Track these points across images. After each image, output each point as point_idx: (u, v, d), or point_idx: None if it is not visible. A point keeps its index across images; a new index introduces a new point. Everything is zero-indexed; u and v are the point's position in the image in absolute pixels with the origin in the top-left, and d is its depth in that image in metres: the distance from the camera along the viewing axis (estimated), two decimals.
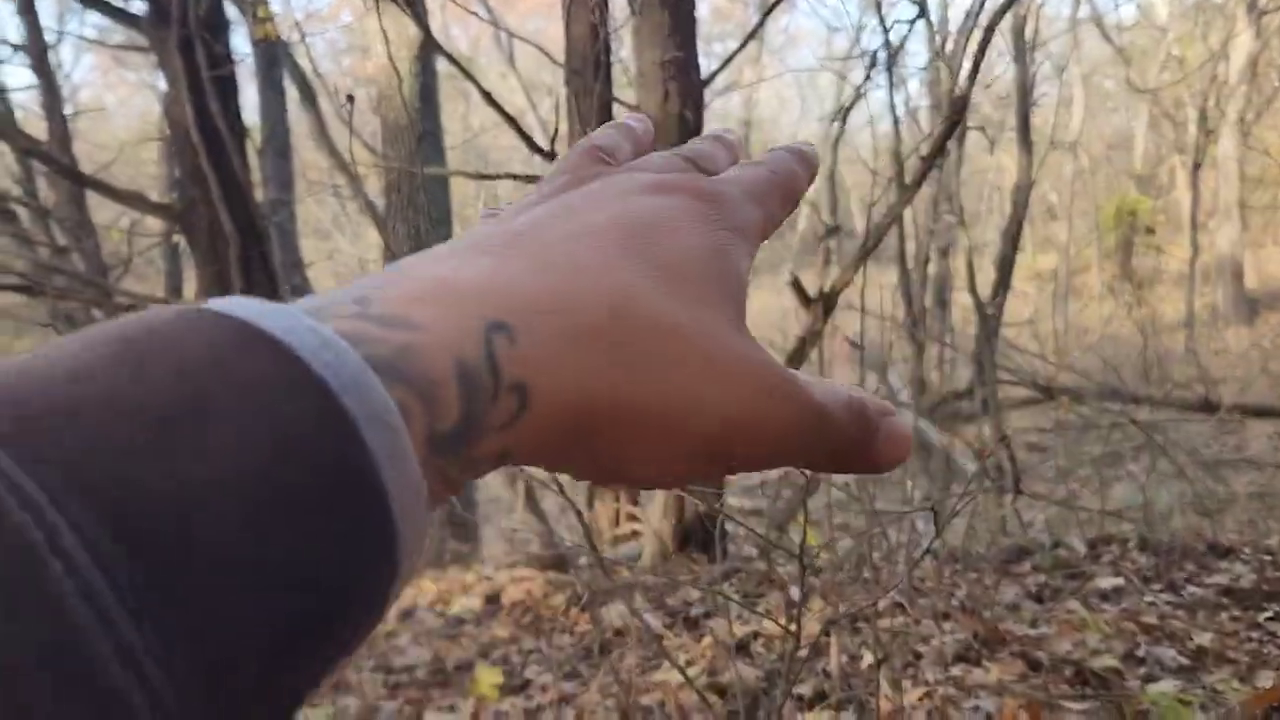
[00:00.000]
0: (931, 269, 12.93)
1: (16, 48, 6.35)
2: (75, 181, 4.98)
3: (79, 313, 6.00)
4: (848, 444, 0.32)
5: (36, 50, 6.31)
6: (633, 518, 4.69)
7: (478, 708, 2.73)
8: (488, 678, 2.85)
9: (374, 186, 11.31)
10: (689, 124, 3.86)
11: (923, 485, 6.11)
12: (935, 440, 7.40)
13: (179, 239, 8.97)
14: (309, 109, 9.78)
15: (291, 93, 8.61)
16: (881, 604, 3.28)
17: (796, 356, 3.00)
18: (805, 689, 2.72)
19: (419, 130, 6.43)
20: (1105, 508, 4.72)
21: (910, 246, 10.49)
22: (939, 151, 2.73)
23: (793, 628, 3.27)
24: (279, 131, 7.69)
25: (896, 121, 11.30)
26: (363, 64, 16.25)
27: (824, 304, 2.82)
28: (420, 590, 3.98)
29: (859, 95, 4.73)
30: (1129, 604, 3.18)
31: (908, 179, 3.20)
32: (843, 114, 5.36)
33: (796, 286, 2.91)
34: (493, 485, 10.66)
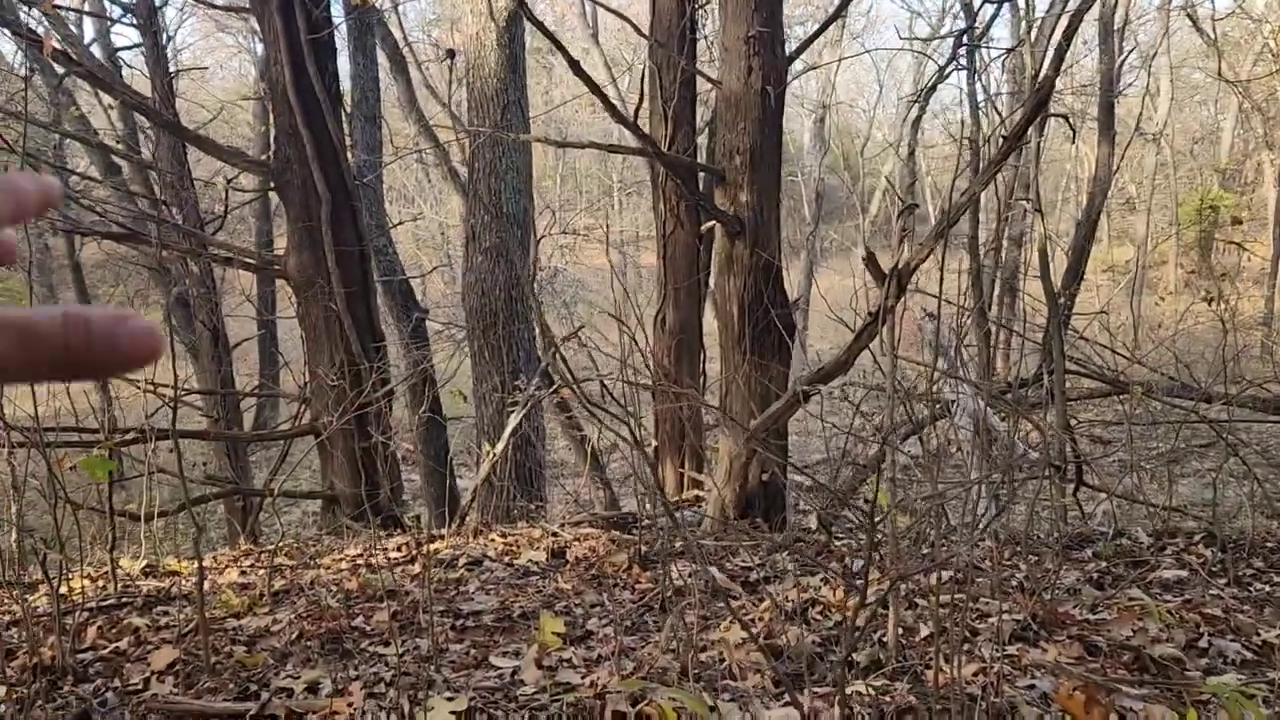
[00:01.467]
0: (1003, 256, 12.73)
1: (125, 9, 6.61)
2: (179, 136, 5.20)
3: (177, 263, 6.28)
4: (68, 352, 0.35)
5: (145, 10, 6.56)
6: (696, 484, 4.79)
7: (540, 654, 2.84)
8: (551, 626, 2.96)
9: (456, 155, 11.52)
10: (770, 100, 3.91)
11: (984, 470, 6.07)
12: (999, 426, 7.35)
13: (272, 196, 9.27)
14: (398, 77, 10.01)
15: (382, 61, 8.82)
16: (939, 580, 3.33)
17: (868, 332, 3.04)
18: (860, 657, 2.78)
19: (505, 100, 6.55)
20: (1171, 503, 4.67)
21: (982, 234, 10.36)
22: (1022, 133, 2.73)
23: (852, 598, 3.33)
24: (369, 98, 7.88)
25: (976, 107, 11.13)
26: (450, 35, 16.49)
27: (897, 280, 2.86)
28: (489, 542, 4.12)
29: (944, 75, 4.68)
30: (1192, 595, 3.17)
31: (987, 161, 3.19)
32: (925, 94, 5.31)
33: (871, 262, 2.95)
34: (559, 449, 10.84)
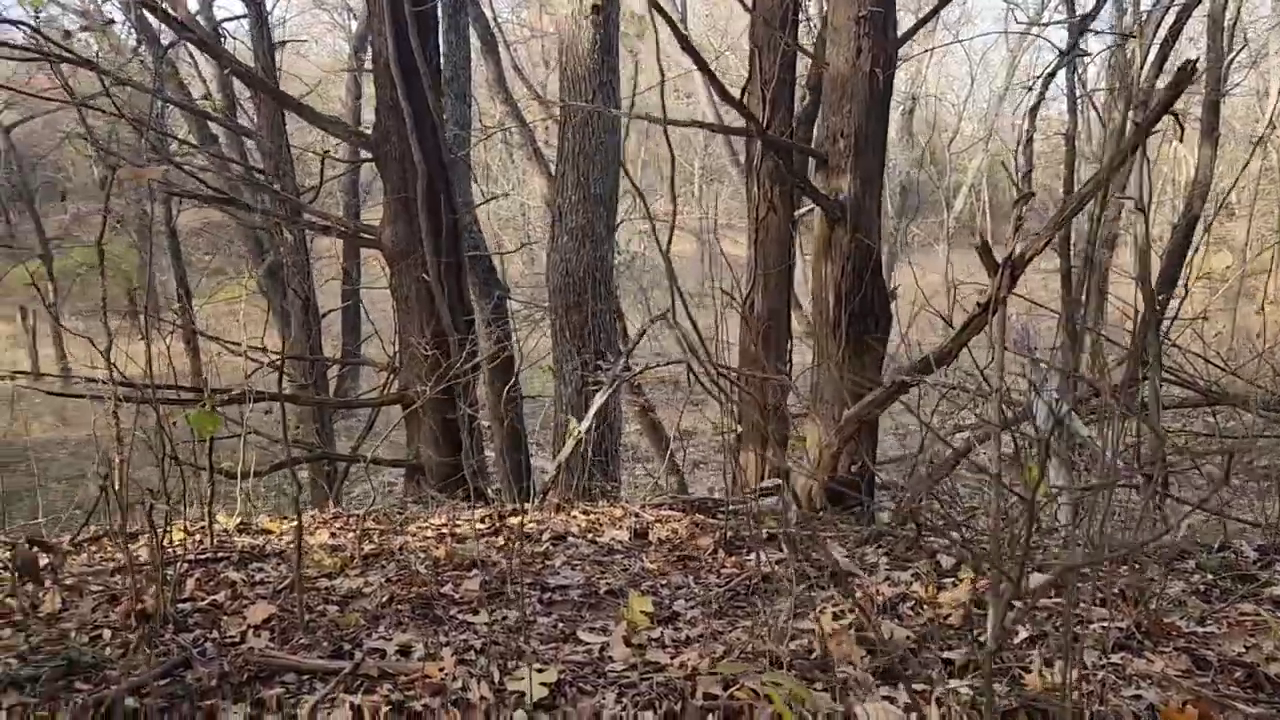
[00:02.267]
0: (1094, 258, 12.34)
1: None
2: (285, 105, 5.30)
3: (273, 230, 6.41)
4: None
5: None
6: (778, 471, 4.74)
7: (629, 632, 2.83)
8: (639, 604, 2.95)
9: (540, 137, 11.56)
10: (878, 83, 3.82)
11: (1066, 478, 5.91)
12: (1083, 433, 7.14)
13: (362, 170, 9.41)
14: (488, 57, 10.08)
15: (472, 41, 8.88)
16: (1037, 583, 3.22)
17: (975, 323, 2.96)
18: (956, 656, 2.71)
19: (598, 80, 6.54)
20: (1268, 519, 4.48)
21: (1070, 235, 10.07)
22: (1153, 125, 2.62)
23: (943, 594, 3.25)
24: (460, 76, 7.94)
25: (1074, 102, 10.77)
26: (539, 16, 16.58)
27: (1010, 271, 2.77)
28: (571, 518, 4.13)
29: (1063, 62, 4.53)
30: None
31: (1103, 156, 3.07)
32: (1044, 80, 5.15)
33: (985, 250, 2.87)
34: (629, 433, 10.85)
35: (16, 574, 2.71)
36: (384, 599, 3.05)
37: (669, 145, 5.30)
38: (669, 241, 4.44)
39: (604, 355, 6.48)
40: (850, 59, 3.79)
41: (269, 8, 8.05)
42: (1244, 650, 2.71)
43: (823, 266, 3.97)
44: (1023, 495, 3.43)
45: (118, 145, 7.28)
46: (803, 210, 5.20)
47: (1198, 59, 2.70)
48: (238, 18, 7.79)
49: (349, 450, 5.65)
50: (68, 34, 5.86)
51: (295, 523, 4.05)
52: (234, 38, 8.09)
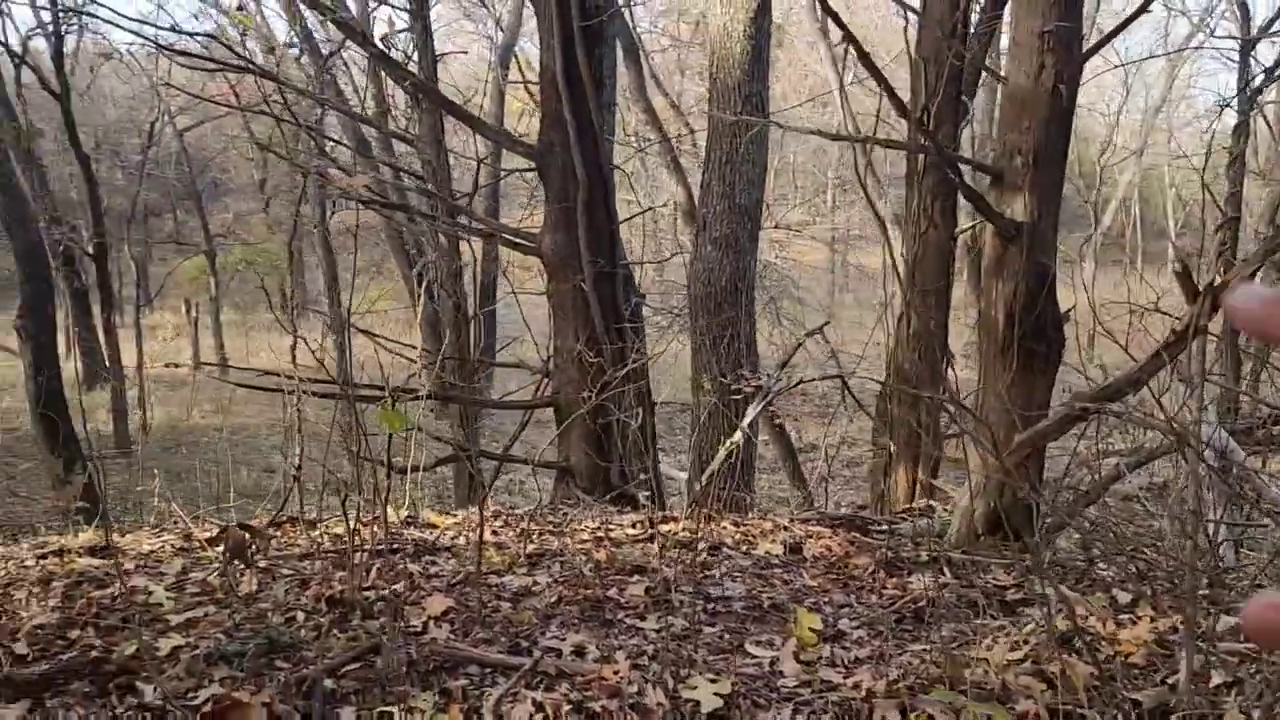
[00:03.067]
0: (1260, 277, 11.65)
1: None
2: (454, 115, 5.50)
3: (429, 235, 6.65)
4: None
5: None
6: (930, 491, 4.65)
7: (798, 648, 2.83)
8: (808, 621, 2.94)
9: (676, 146, 11.63)
10: (1061, 100, 3.71)
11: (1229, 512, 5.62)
12: (1243, 463, 6.75)
13: (508, 179, 9.65)
14: (630, 66, 10.22)
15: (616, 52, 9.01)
16: (1225, 626, 3.07)
17: (1174, 347, 2.85)
18: (1145, 698, 2.60)
19: (747, 90, 6.56)
20: None
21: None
22: None
23: (1122, 631, 3.12)
24: (607, 85, 8.07)
25: (1247, 115, 10.21)
26: (676, 25, 16.72)
27: (1212, 298, 2.65)
28: (723, 529, 4.15)
29: (1271, 78, 4.29)
30: None
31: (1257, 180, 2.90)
32: (1252, 95, 4.90)
33: (1184, 275, 2.76)
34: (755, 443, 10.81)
35: (228, 554, 2.89)
36: (553, 599, 3.13)
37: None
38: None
39: (742, 365, 6.48)
40: (1032, 74, 3.69)
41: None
42: None
43: (994, 286, 3.88)
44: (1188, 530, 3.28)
45: (284, 148, 7.69)
46: (965, 227, 5.09)
47: None
48: (402, 30, 8.16)
49: (499, 450, 5.83)
50: (271, 50, 6.22)
51: (460, 519, 4.20)
52: (397, 48, 8.49)
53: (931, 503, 4.74)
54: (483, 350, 11.39)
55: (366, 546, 3.47)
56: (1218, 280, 2.71)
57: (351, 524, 2.93)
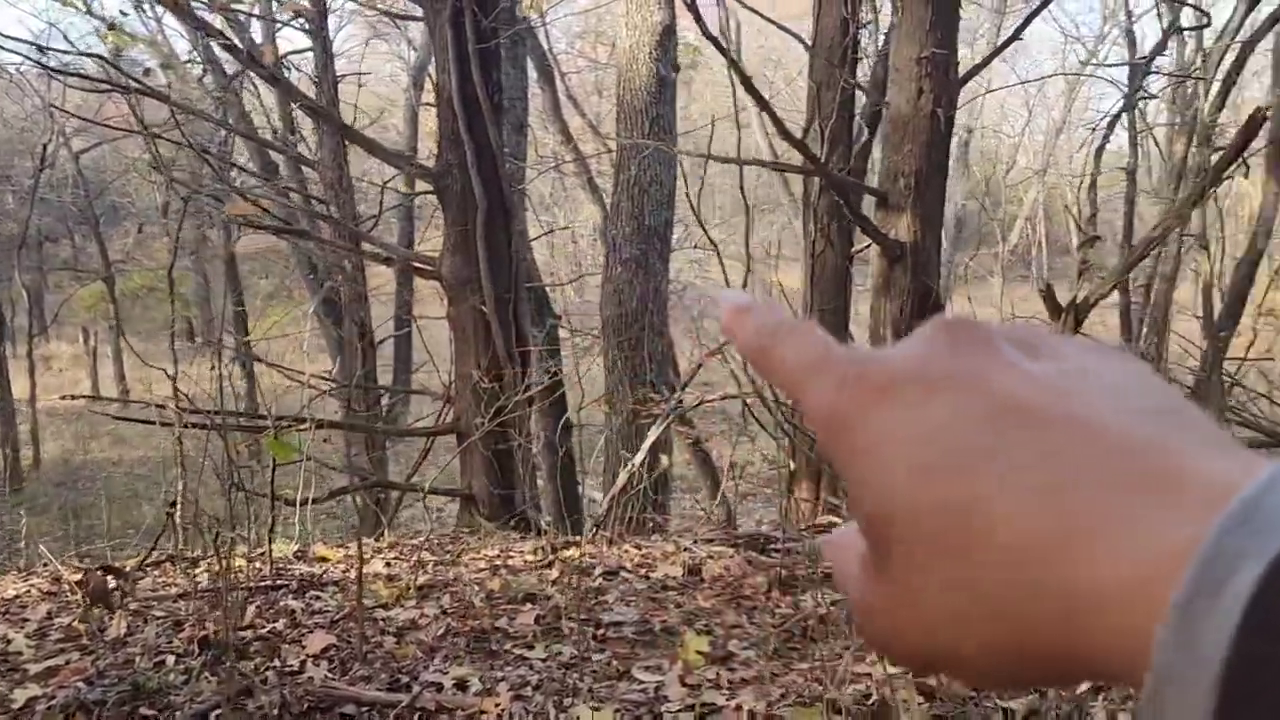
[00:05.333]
0: (1153, 294, 12.12)
1: (297, 13, 6.94)
2: (350, 139, 5.42)
3: (328, 259, 6.53)
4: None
5: (316, 16, 6.89)
6: (832, 509, 4.70)
7: (684, 672, 2.82)
8: (695, 644, 2.93)
9: (594, 166, 11.67)
10: (939, 124, 3.81)
11: None
12: None
13: (418, 200, 9.56)
14: (545, 87, 10.22)
15: (529, 73, 9.01)
16: None
17: None
18: (1017, 705, 2.66)
19: (654, 113, 6.60)
20: None
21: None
22: (1228, 166, 2.57)
23: None
24: (517, 107, 8.06)
25: (1135, 138, 10.62)
26: (593, 47, 16.78)
27: (1075, 315, 2.73)
28: (624, 553, 4.13)
29: (1130, 104, 4.48)
30: None
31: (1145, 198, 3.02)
32: (1111, 120, 5.10)
33: (1049, 296, 2.83)
34: (678, 464, 10.84)
35: (88, 599, 2.78)
36: (440, 631, 3.07)
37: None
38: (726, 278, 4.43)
39: (657, 386, 6.49)
40: (911, 99, 3.78)
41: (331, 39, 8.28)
42: None
43: (881, 304, 3.95)
44: None
45: (181, 173, 7.49)
46: (859, 247, 5.18)
47: (1267, 107, 2.65)
48: (302, 50, 8.02)
49: (401, 478, 5.72)
50: (147, 71, 6.06)
51: (352, 552, 4.10)
52: (298, 69, 8.33)
53: (834, 519, 4.79)
54: (396, 375, 11.24)
55: (247, 584, 3.37)
56: (1079, 298, 2.79)
57: (224, 561, 2.84)
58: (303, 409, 4.44)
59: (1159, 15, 7.16)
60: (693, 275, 13.73)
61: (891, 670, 2.85)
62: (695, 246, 13.75)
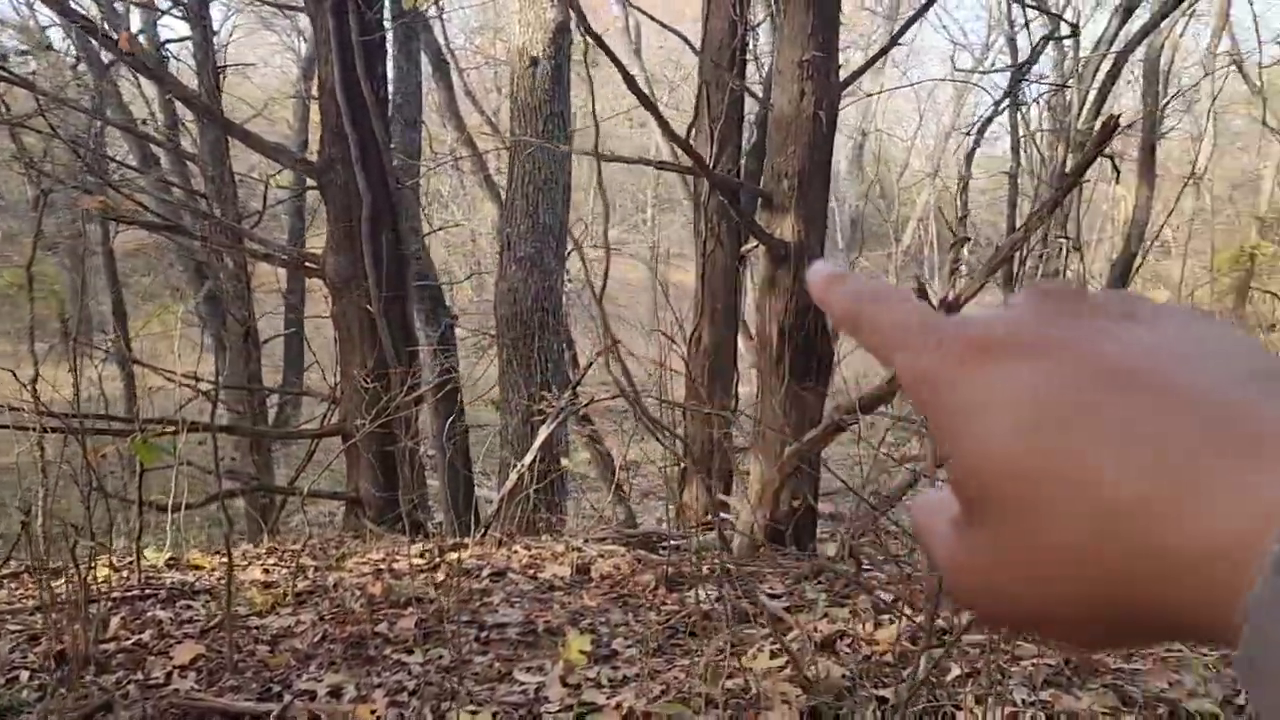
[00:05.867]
0: None
1: (176, 1, 6.67)
2: (228, 132, 5.23)
3: (212, 256, 6.30)
4: None
5: (195, 3, 6.63)
6: (724, 506, 4.74)
7: (566, 671, 2.80)
8: (577, 644, 2.93)
9: (493, 163, 11.56)
10: (821, 126, 3.88)
11: None
12: None
13: (308, 194, 9.30)
14: (440, 82, 10.07)
15: (424, 66, 8.87)
16: (969, 618, 3.26)
17: None
18: (890, 694, 2.72)
19: (548, 110, 6.56)
20: None
21: (1015, 271, 10.27)
22: (1082, 172, 2.69)
23: (880, 631, 3.26)
24: (411, 102, 7.92)
25: (1017, 142, 11.04)
26: (492, 43, 16.60)
27: (948, 313, 2.80)
28: (513, 554, 4.09)
29: (999, 110, 4.65)
30: (1229, 651, 3.10)
31: (1028, 201, 3.14)
32: (980, 128, 5.29)
33: (921, 294, 2.91)
34: (579, 463, 10.82)
35: None
36: (316, 638, 2.99)
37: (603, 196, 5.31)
38: (603, 287, 4.42)
39: (552, 386, 6.45)
40: (794, 101, 3.84)
41: (215, 29, 7.94)
42: (1167, 686, 2.77)
43: (767, 304, 4.00)
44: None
45: (52, 165, 7.12)
46: (749, 246, 5.25)
47: (1121, 114, 2.78)
48: (183, 39, 7.70)
49: (288, 481, 5.54)
50: (4, 57, 5.73)
51: (244, 555, 3.97)
52: (178, 59, 7.99)
53: (725, 516, 4.84)
54: (286, 375, 10.93)
55: (111, 594, 3.22)
56: (950, 297, 2.87)
57: (81, 571, 2.71)
58: (178, 410, 4.27)
59: (1027, 28, 7.47)
60: (592, 274, 13.72)
61: (773, 664, 2.90)
62: (595, 245, 13.73)
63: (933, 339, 0.31)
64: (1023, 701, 2.72)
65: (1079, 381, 0.28)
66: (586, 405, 4.99)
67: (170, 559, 3.80)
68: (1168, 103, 13.51)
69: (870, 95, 12.97)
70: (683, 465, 4.74)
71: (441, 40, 10.80)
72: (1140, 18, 8.83)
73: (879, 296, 0.33)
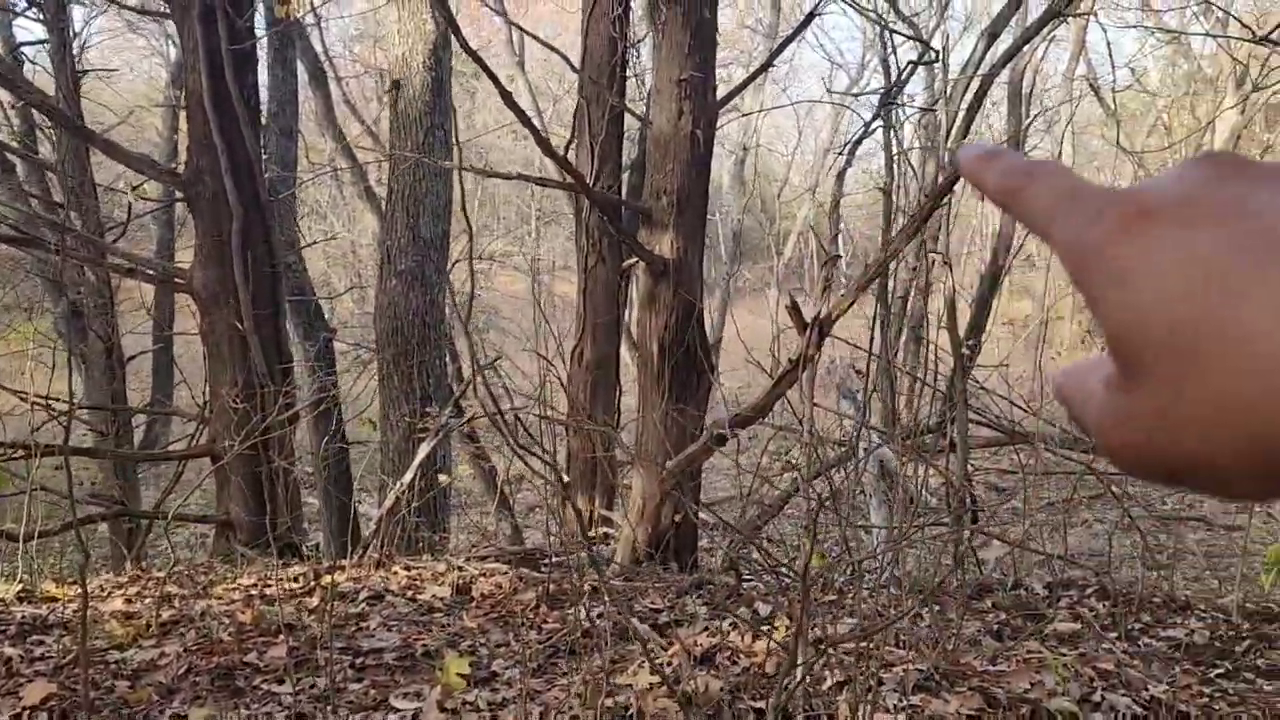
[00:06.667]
0: (910, 306, 13.13)
1: (31, 2, 6.32)
2: (85, 140, 4.98)
3: (73, 270, 5.99)
4: None
5: (52, 4, 6.29)
6: (607, 521, 4.75)
7: (444, 696, 2.76)
8: (455, 667, 2.88)
9: (373, 174, 11.33)
10: (699, 144, 3.95)
11: (884, 515, 6.21)
12: (899, 471, 7.51)
13: (177, 206, 8.94)
14: (317, 92, 9.82)
15: (300, 75, 8.64)
16: (845, 628, 3.36)
17: (787, 379, 3.07)
18: (769, 706, 2.77)
19: (429, 123, 6.47)
20: (1064, 553, 4.84)
21: (889, 283, 10.65)
22: (946, 193, 2.82)
23: (759, 642, 3.32)
24: (286, 111, 7.70)
25: (891, 160, 11.46)
26: (373, 52, 16.29)
27: (819, 330, 2.89)
28: (392, 575, 4.01)
29: (868, 131, 4.83)
30: (1086, 649, 3.27)
31: (903, 217, 3.28)
32: (850, 148, 5.47)
33: (794, 310, 2.99)
34: (463, 479, 10.67)
35: None
36: (180, 671, 2.87)
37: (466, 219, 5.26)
38: (469, 313, 4.38)
39: (434, 402, 6.35)
40: (672, 119, 3.89)
41: (75, 32, 7.54)
42: (1029, 687, 2.90)
43: (647, 319, 4.04)
44: (846, 537, 3.57)
45: None
46: (630, 261, 5.29)
47: (958, 171, 2.91)
48: (39, 42, 7.30)
49: (155, 505, 5.30)
50: None
51: (106, 584, 3.76)
52: (34, 63, 7.56)
53: (608, 532, 4.85)
54: (155, 394, 10.45)
55: None
56: (822, 313, 2.96)
57: None
58: (34, 433, 4.04)
59: (895, 53, 7.81)
60: (476, 287, 13.60)
61: (653, 679, 2.91)
62: (480, 258, 13.65)
63: (1091, 208, 0.32)
64: (894, 706, 2.81)
65: (1243, 245, 0.29)
66: (467, 421, 4.93)
67: (22, 591, 3.58)
68: (1030, 123, 14.25)
69: (749, 114, 13.25)
70: (565, 481, 4.73)
71: (319, 48, 10.56)
72: (1005, 42, 9.29)
73: (1034, 171, 0.34)
